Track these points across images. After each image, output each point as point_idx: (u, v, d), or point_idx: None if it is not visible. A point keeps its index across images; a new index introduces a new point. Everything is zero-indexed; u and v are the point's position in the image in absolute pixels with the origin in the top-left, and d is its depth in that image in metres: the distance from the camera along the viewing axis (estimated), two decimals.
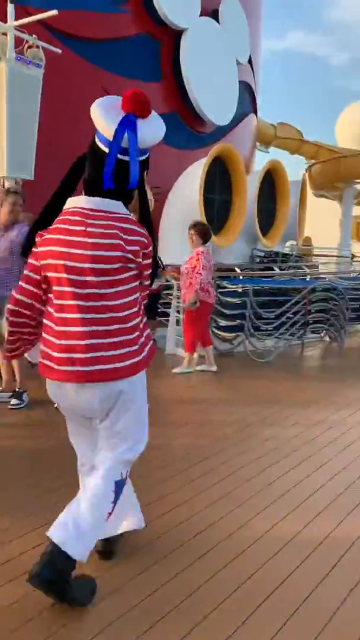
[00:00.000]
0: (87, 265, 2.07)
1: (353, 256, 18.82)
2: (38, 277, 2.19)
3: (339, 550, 2.58)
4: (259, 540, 2.65)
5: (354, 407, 5.01)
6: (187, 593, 2.22)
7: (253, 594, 2.24)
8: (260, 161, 17.37)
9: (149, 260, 2.26)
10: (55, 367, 2.13)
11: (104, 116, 2.14)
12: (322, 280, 7.75)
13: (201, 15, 12.69)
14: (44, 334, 2.20)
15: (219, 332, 7.09)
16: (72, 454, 2.53)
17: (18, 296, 2.24)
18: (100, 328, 2.10)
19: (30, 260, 2.22)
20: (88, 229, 2.09)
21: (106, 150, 2.12)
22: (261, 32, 17.00)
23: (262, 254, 12.67)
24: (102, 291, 2.10)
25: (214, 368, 6.17)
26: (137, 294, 2.24)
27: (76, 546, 2.03)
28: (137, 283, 2.23)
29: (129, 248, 2.11)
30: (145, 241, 2.20)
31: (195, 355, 6.24)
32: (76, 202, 2.20)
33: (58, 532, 2.05)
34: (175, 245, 11.11)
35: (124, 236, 2.11)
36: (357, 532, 2.75)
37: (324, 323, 7.25)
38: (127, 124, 2.11)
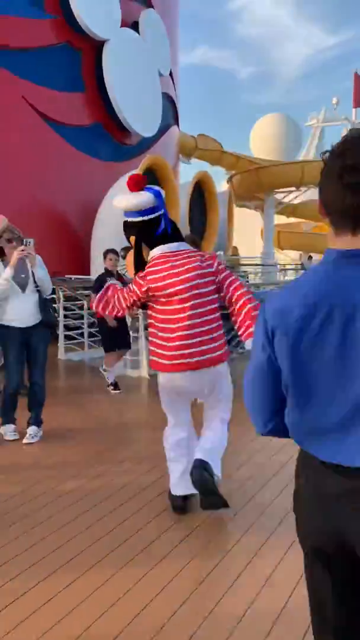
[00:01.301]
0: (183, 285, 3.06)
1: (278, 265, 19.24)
2: (140, 294, 3.15)
3: None
4: None
5: None
6: None
7: None
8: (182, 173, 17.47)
9: (226, 272, 3.21)
10: (168, 362, 3.05)
11: (138, 198, 3.18)
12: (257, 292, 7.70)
13: (121, 26, 12.52)
14: (155, 340, 3.13)
15: None
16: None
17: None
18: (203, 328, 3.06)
19: (137, 286, 3.16)
20: (174, 263, 3.12)
21: (135, 219, 3.21)
22: (178, 44, 17.08)
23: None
24: (198, 301, 3.05)
25: None
26: (218, 302, 3.17)
27: (215, 465, 3.09)
28: (216, 295, 3.15)
29: (207, 268, 3.14)
30: (213, 261, 3.21)
31: None
32: (156, 252, 3.20)
33: (199, 455, 3.07)
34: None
35: (202, 261, 3.16)
36: None
37: None
38: (154, 192, 3.24)
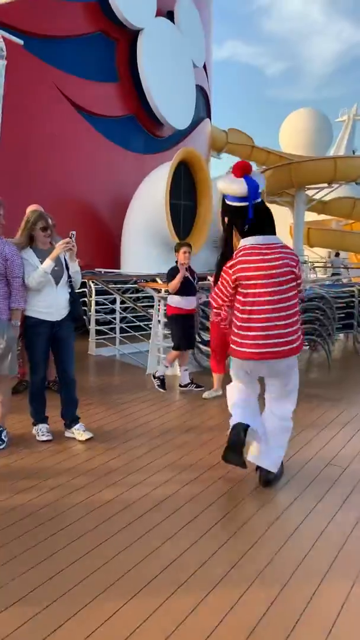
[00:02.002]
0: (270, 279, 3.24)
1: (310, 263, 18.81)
2: (230, 285, 3.36)
3: None
4: None
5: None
6: None
7: None
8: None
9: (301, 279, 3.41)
10: (248, 350, 3.26)
11: (233, 184, 3.34)
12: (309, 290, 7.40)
13: (157, 15, 12.26)
14: (236, 330, 3.33)
15: (204, 347, 6.60)
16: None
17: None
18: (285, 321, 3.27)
19: (227, 275, 3.36)
20: (265, 256, 3.28)
21: (241, 204, 3.36)
22: (212, 36, 16.74)
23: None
24: (282, 296, 3.24)
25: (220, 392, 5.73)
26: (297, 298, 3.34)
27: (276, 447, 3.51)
28: (296, 292, 3.33)
29: (293, 267, 3.31)
30: (297, 263, 3.33)
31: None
32: (246, 242, 3.36)
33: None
34: (138, 252, 10.57)
35: (292, 259, 3.32)
36: None
37: (310, 334, 6.89)
38: (250, 182, 3.30)
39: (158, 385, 5.82)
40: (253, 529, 2.96)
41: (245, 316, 3.25)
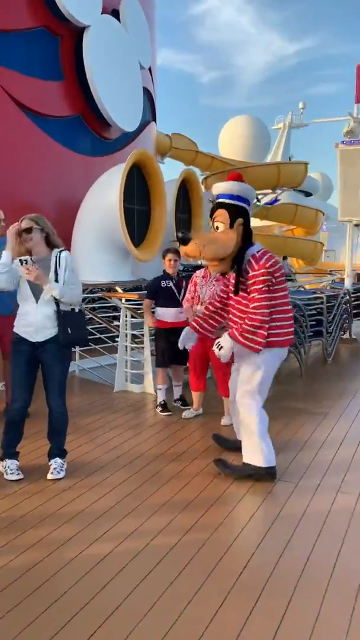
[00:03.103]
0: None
1: None
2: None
3: None
4: None
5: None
6: None
7: None
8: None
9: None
10: (287, 338, 3.72)
11: (246, 187, 3.81)
12: None
13: (102, 12, 11.74)
14: (277, 322, 3.66)
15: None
16: None
17: None
18: None
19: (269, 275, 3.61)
20: None
21: (247, 207, 3.79)
22: (156, 39, 16.38)
23: (182, 267, 11.88)
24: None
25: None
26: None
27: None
28: None
29: None
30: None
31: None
32: (260, 245, 3.75)
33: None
34: (91, 259, 9.96)
35: None
36: None
37: None
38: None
39: (161, 411, 5.30)
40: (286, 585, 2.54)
41: (284, 308, 3.67)
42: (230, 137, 34.43)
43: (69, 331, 3.68)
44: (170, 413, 5.23)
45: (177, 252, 5.34)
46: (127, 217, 10.00)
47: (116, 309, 7.39)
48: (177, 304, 5.22)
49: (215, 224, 3.70)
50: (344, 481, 3.73)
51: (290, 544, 2.91)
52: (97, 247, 9.97)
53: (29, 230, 3.71)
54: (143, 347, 6.01)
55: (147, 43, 13.89)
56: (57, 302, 3.67)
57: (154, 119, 16.27)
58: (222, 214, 3.64)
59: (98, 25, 11.37)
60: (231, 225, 3.59)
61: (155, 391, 5.60)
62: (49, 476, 3.72)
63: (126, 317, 6.03)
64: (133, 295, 6.25)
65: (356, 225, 9.67)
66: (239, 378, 3.81)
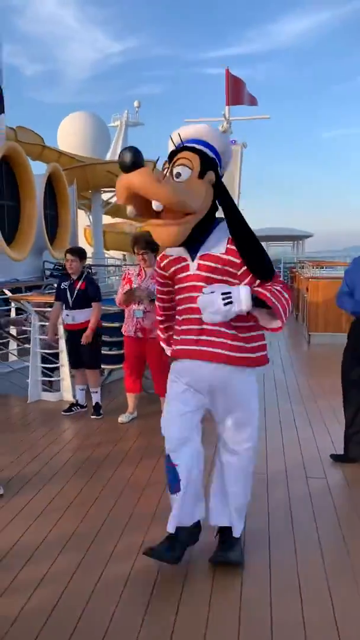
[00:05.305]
0: None
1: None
2: None
3: None
4: None
5: None
6: None
7: None
8: None
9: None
10: None
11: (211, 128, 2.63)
12: None
13: None
14: None
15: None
16: None
17: None
18: None
19: None
20: None
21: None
22: None
23: (52, 266, 11.39)
24: None
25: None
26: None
27: None
28: None
29: None
30: None
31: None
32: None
33: None
34: None
35: None
36: None
37: None
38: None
39: (64, 410, 5.19)
40: None
41: None
42: (69, 133, 33.71)
43: None
44: (71, 412, 5.19)
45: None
46: None
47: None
48: (70, 305, 5.07)
49: (176, 169, 2.46)
50: None
51: None
52: None
53: None
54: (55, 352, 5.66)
55: None
56: None
57: (3, 111, 15.32)
58: (191, 157, 2.47)
59: None
60: (201, 175, 2.46)
61: (74, 397, 5.37)
62: None
63: (35, 321, 5.61)
64: (44, 298, 5.85)
65: None
66: (223, 428, 2.69)
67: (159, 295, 2.90)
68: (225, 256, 2.49)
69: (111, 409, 5.27)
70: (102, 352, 5.38)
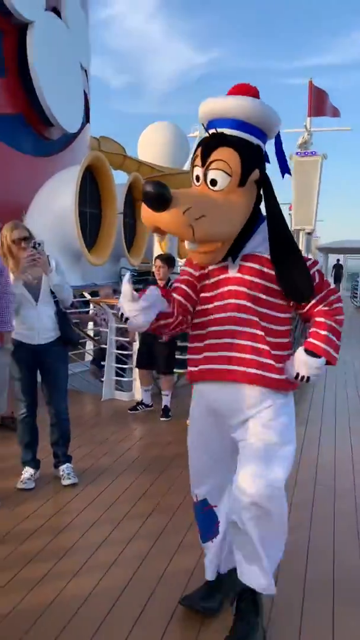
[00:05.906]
0: None
1: None
2: None
3: None
4: None
5: None
6: None
7: None
8: None
9: None
10: None
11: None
12: None
13: (46, 9, 11.40)
14: None
15: None
16: None
17: None
18: None
19: None
20: None
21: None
22: (90, 41, 16.15)
23: (129, 272, 11.77)
24: None
25: None
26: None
27: None
28: None
29: None
30: None
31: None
32: None
33: None
34: None
35: None
36: None
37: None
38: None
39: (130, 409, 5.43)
40: None
41: None
42: (151, 143, 34.52)
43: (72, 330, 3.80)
44: (136, 411, 5.40)
45: (164, 259, 5.26)
46: (81, 221, 9.76)
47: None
48: None
49: (211, 175, 2.02)
50: None
51: None
52: (50, 252, 9.63)
53: (27, 239, 3.63)
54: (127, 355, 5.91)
55: (87, 43, 13.67)
56: (55, 301, 3.66)
57: (89, 121, 16.02)
58: (230, 157, 2.00)
59: (42, 22, 11.03)
60: (243, 182, 2.02)
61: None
62: (65, 482, 3.66)
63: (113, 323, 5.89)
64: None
65: (308, 233, 10.08)
66: (247, 452, 2.18)
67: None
68: None
69: (179, 412, 5.42)
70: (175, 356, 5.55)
